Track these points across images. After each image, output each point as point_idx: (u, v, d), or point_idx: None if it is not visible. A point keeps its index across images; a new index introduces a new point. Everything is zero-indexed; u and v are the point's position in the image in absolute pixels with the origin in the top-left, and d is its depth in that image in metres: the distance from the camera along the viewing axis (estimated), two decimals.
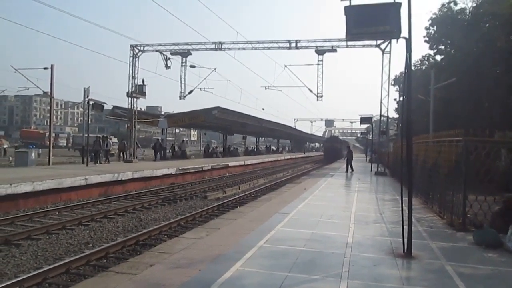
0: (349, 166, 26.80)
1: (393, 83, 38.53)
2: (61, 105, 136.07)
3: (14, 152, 31.75)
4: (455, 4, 26.41)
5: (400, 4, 6.33)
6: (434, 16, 27.52)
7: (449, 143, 9.16)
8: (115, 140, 47.64)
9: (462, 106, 22.50)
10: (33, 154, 24.90)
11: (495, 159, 8.80)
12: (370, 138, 47.01)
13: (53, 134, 38.71)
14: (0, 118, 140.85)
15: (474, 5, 24.86)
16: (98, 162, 24.82)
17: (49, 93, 27.74)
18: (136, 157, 30.22)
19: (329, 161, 51.12)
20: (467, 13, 25.46)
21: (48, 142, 29.39)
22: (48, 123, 29.53)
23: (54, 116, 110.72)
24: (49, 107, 30.54)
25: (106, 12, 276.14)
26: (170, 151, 40.40)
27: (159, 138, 44.95)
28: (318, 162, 55.36)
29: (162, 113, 61.86)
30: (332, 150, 59.02)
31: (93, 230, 10.58)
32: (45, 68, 27.22)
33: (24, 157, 23.89)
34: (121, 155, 31.17)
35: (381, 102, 27.31)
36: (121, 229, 10.94)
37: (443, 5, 27.10)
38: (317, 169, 35.94)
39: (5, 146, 58.42)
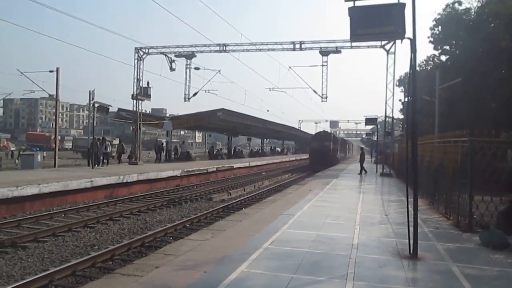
0: (362, 168, 26.59)
1: (398, 83, 38.57)
2: (66, 108, 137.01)
3: (20, 154, 31.98)
4: (460, 4, 26.33)
5: (404, 4, 6.31)
6: (438, 17, 27.46)
7: (455, 143, 9.12)
8: (116, 142, 47.58)
9: (467, 107, 22.38)
10: (39, 157, 25.06)
11: (501, 160, 8.76)
12: (375, 139, 46.86)
13: (59, 137, 38.93)
14: (7, 121, 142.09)
15: (479, 5, 24.75)
16: (94, 165, 22.73)
17: (54, 96, 27.97)
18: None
19: (316, 167, 34.62)
20: (472, 13, 25.34)
21: (54, 145, 29.55)
22: (54, 126, 29.69)
23: (60, 119, 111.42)
24: (54, 110, 30.74)
25: (111, 15, 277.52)
26: (174, 152, 40.44)
27: (160, 139, 45.00)
28: None
29: (167, 115, 62.20)
30: (322, 151, 38.79)
31: (99, 232, 10.63)
32: (50, 71, 27.46)
33: (30, 159, 24.02)
34: (120, 157, 31.12)
35: (386, 103, 27.30)
36: (127, 231, 10.99)
37: (447, 5, 27.05)
38: (322, 170, 35.81)
39: (12, 149, 58.90)
